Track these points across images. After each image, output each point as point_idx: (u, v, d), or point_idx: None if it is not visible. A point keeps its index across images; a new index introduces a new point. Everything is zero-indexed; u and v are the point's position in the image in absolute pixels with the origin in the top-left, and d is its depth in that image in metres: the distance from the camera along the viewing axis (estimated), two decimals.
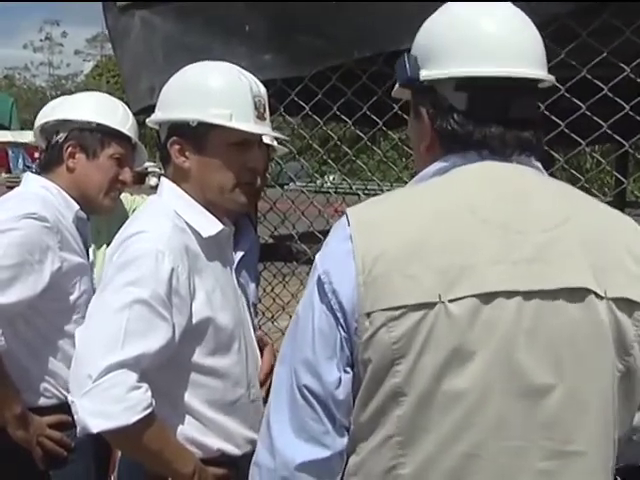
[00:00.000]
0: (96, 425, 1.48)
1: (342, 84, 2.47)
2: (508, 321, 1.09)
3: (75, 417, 1.51)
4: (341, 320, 1.14)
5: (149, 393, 1.54)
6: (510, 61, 1.19)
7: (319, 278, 1.16)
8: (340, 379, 1.15)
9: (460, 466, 1.11)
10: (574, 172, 2.30)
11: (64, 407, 2.11)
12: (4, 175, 19.80)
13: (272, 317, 3.12)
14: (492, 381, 1.10)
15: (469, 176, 1.20)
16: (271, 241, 2.96)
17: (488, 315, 1.09)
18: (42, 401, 2.11)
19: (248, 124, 1.71)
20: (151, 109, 2.89)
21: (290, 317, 3.21)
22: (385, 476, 1.15)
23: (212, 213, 1.76)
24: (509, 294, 1.09)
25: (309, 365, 1.16)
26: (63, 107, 2.28)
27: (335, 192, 3.76)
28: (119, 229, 2.54)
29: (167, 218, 1.70)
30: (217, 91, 1.71)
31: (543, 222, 1.15)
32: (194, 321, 1.64)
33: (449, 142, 1.22)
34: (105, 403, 1.48)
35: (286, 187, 3.82)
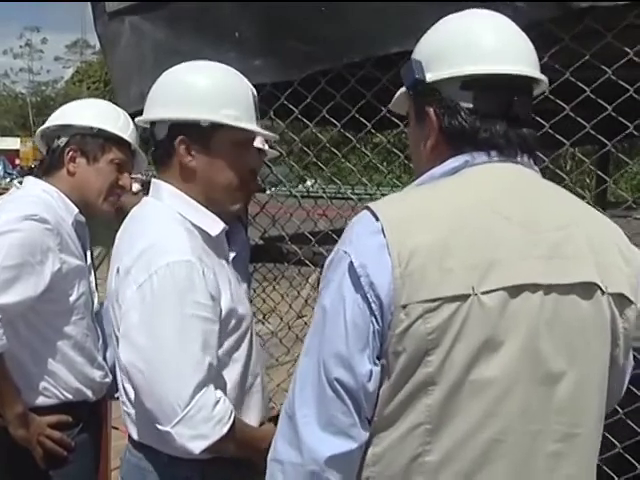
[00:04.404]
0: (197, 447, 1.59)
1: (331, 88, 2.51)
2: (532, 312, 1.17)
3: (173, 444, 1.60)
4: (376, 312, 1.15)
5: (227, 401, 1.64)
6: (510, 62, 1.27)
7: (354, 271, 1.17)
8: (371, 371, 1.17)
9: (485, 451, 1.16)
10: (559, 172, 2.35)
11: (64, 407, 2.15)
12: None
13: (263, 317, 3.16)
14: (518, 369, 1.16)
15: (481, 175, 1.26)
16: (261, 242, 2.99)
17: (516, 307, 1.16)
18: (42, 401, 2.14)
19: (253, 125, 1.77)
20: (142, 114, 2.94)
21: (281, 319, 3.28)
22: (410, 464, 1.18)
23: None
24: (534, 287, 1.17)
25: (341, 358, 1.17)
26: (64, 113, 2.31)
27: (320, 196, 3.79)
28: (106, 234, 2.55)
29: (176, 222, 1.71)
30: (226, 92, 1.75)
31: (553, 222, 1.23)
32: (223, 315, 1.68)
33: (457, 140, 1.28)
34: (197, 426, 1.58)
35: (268, 192, 3.86)
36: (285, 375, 3.28)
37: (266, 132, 1.85)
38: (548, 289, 1.18)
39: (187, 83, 1.77)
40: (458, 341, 1.14)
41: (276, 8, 2.43)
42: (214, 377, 1.63)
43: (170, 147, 1.75)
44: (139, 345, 1.62)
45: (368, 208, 1.22)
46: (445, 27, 1.35)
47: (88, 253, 2.28)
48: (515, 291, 1.16)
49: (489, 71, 1.25)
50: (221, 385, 1.68)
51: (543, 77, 1.33)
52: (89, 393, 2.21)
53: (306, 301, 3.57)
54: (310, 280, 5.80)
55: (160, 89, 1.80)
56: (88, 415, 2.23)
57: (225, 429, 1.60)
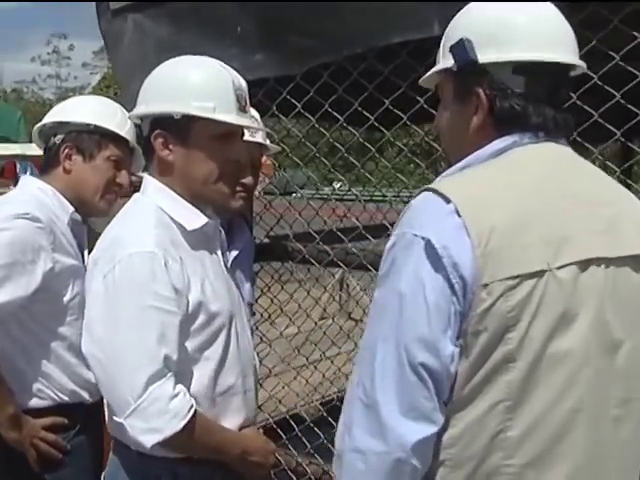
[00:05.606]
0: (148, 441, 1.56)
1: (334, 82, 2.46)
2: (599, 285, 1.23)
3: (127, 436, 1.58)
4: (458, 293, 1.17)
5: (187, 396, 1.60)
6: (562, 50, 1.31)
7: (434, 252, 1.17)
8: (453, 352, 1.18)
9: (565, 421, 1.20)
10: None
11: (59, 409, 2.12)
12: (12, 188, 19.97)
13: (269, 317, 3.12)
14: (591, 339, 1.22)
15: (534, 155, 1.30)
16: (266, 241, 2.95)
17: (585, 280, 1.21)
18: (36, 402, 2.11)
19: (230, 116, 1.72)
20: None
21: (289, 319, 3.23)
22: (491, 441, 1.19)
23: (197, 207, 1.76)
24: (598, 261, 1.23)
25: (425, 341, 1.17)
26: (61, 110, 2.29)
27: (341, 200, 3.73)
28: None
29: (151, 215, 1.70)
30: (200, 84, 1.72)
31: (603, 198, 1.31)
32: (190, 310, 1.65)
33: (506, 123, 1.30)
34: (151, 419, 1.55)
35: (294, 195, 3.83)
36: (292, 377, 3.24)
37: (243, 123, 1.77)
38: (608, 262, 1.24)
39: (162, 77, 1.77)
40: (536, 317, 1.17)
41: (277, 2, 2.39)
42: (174, 370, 1.59)
43: (150, 142, 1.75)
44: (98, 335, 1.62)
45: (431, 190, 1.24)
46: (497, 8, 1.35)
47: (85, 252, 2.24)
48: (584, 265, 1.21)
49: (545, 59, 1.28)
50: (187, 381, 1.65)
51: (584, 65, 1.35)
52: (85, 395, 2.17)
53: (316, 302, 3.52)
54: (329, 287, 5.76)
55: (144, 86, 1.80)
56: (85, 417, 2.19)
57: (181, 424, 1.56)
